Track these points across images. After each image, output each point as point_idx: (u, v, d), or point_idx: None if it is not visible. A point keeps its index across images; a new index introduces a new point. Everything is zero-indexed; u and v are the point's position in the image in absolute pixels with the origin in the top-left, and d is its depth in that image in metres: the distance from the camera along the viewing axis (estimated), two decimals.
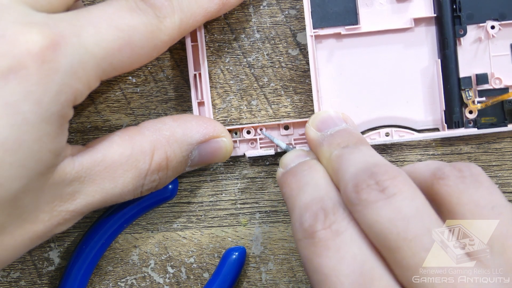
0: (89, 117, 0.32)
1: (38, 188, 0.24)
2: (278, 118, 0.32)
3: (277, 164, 0.33)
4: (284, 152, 0.31)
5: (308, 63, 0.32)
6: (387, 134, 0.32)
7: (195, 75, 0.31)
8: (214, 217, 0.33)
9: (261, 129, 0.32)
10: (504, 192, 0.33)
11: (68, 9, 0.27)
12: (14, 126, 0.22)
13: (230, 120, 0.32)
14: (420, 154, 0.32)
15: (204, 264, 0.33)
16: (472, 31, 0.32)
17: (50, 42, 0.23)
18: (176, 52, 0.32)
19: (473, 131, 0.31)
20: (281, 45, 0.32)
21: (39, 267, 0.33)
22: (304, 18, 0.31)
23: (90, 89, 0.25)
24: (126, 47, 0.25)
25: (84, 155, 0.26)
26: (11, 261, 0.26)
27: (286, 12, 0.32)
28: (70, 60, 0.24)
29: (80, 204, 0.26)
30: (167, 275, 0.33)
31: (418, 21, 0.32)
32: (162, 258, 0.33)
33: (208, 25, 0.32)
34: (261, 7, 0.32)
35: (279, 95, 0.32)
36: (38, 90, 0.23)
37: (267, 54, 0.32)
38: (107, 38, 0.25)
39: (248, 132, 0.32)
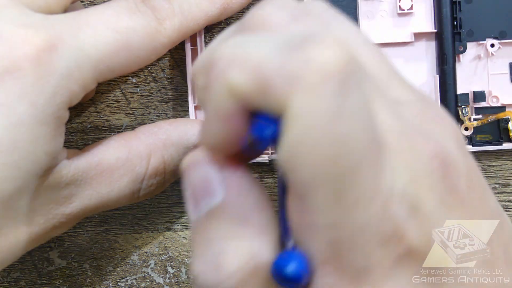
0: (89, 117, 0.32)
1: (34, 190, 0.24)
2: None
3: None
4: None
5: None
6: None
7: None
8: None
9: None
10: (504, 192, 0.33)
11: (66, 10, 0.27)
12: (9, 126, 0.22)
13: None
14: None
15: None
16: (472, 48, 0.32)
17: (46, 44, 0.23)
18: (176, 52, 0.32)
19: (468, 148, 0.31)
20: None
21: (39, 267, 0.33)
22: None
23: (86, 91, 0.25)
24: (123, 49, 0.25)
25: (80, 158, 0.26)
26: (7, 264, 0.26)
27: None
28: (66, 62, 0.24)
29: (76, 208, 0.26)
30: (167, 275, 0.33)
31: (418, 35, 0.32)
32: (162, 258, 0.33)
33: (208, 25, 0.32)
34: None
35: None
36: (34, 91, 0.23)
37: None
38: (104, 40, 0.25)
39: None
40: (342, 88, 0.16)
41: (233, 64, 0.17)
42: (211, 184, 0.19)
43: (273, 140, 0.17)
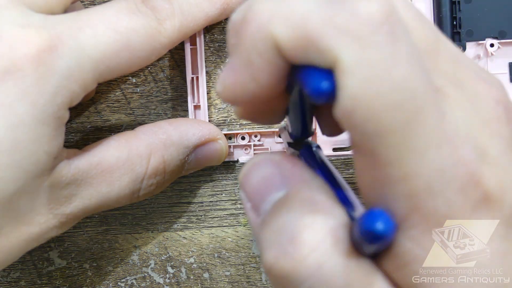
0: (89, 117, 0.32)
1: (34, 190, 0.24)
2: None
3: None
4: None
5: None
6: None
7: (192, 78, 0.31)
8: (214, 217, 0.33)
9: (256, 136, 0.32)
10: None
11: (66, 10, 0.27)
12: (10, 127, 0.23)
13: (230, 120, 0.32)
14: None
15: (204, 264, 0.33)
16: (471, 48, 0.32)
17: (47, 44, 0.23)
18: (176, 52, 0.32)
19: None
20: None
21: (39, 267, 0.33)
22: None
23: (86, 91, 0.25)
24: (124, 49, 0.25)
25: (80, 158, 0.26)
26: (7, 264, 0.26)
27: None
28: (67, 63, 0.24)
29: (76, 208, 0.26)
30: (167, 275, 0.33)
31: None
32: (162, 258, 0.33)
33: (208, 25, 0.32)
34: None
35: None
36: (34, 91, 0.23)
37: None
38: (105, 41, 0.25)
39: (243, 138, 0.32)
40: (391, 36, 0.16)
41: (276, 19, 0.17)
42: (272, 181, 0.19)
43: (329, 94, 0.17)
